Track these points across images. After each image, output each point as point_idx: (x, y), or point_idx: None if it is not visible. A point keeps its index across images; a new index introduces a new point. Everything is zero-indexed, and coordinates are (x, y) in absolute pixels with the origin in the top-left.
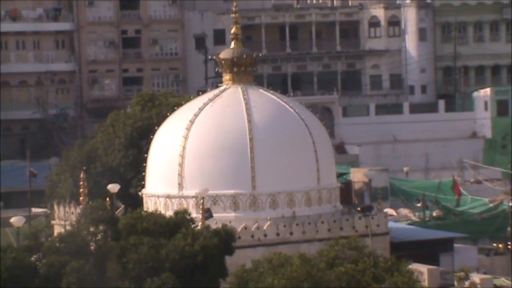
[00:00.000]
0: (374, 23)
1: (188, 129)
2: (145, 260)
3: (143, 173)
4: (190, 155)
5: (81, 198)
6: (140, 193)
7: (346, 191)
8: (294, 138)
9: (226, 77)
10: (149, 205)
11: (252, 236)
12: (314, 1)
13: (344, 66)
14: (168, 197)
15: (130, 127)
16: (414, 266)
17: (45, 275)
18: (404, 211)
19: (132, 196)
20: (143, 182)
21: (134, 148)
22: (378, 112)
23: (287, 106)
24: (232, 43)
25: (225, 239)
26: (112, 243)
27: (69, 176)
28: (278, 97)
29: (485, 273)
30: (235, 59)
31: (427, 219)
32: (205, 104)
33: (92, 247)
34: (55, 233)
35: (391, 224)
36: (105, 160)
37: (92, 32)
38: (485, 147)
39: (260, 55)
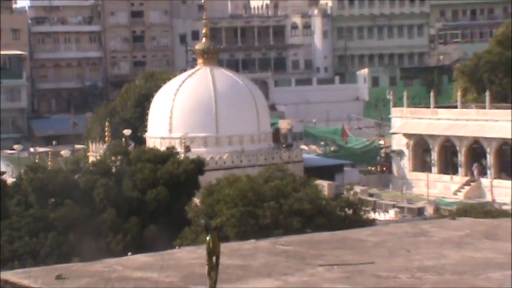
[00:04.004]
0: (294, 27)
1: (175, 94)
2: (147, 179)
3: (146, 123)
4: (177, 111)
5: (106, 139)
6: (144, 136)
7: (276, 134)
8: (243, 100)
9: (199, 61)
10: (150, 144)
11: (216, 163)
12: (256, 12)
13: (276, 54)
14: (162, 138)
15: (138, 93)
16: (319, 181)
17: (83, 188)
18: (313, 147)
19: (139, 137)
20: (146, 129)
21: (140, 107)
22: (297, 84)
23: (239, 80)
24: (203, 39)
25: (199, 165)
26: (126, 168)
27: (99, 125)
28: (233, 74)
29: (363, 186)
30: (205, 49)
31: (327, 152)
32: (186, 78)
33: (113, 170)
34: (90, 161)
35: (304, 155)
36: (121, 114)
37: (113, 32)
38: (364, 106)
39: (221, 47)
